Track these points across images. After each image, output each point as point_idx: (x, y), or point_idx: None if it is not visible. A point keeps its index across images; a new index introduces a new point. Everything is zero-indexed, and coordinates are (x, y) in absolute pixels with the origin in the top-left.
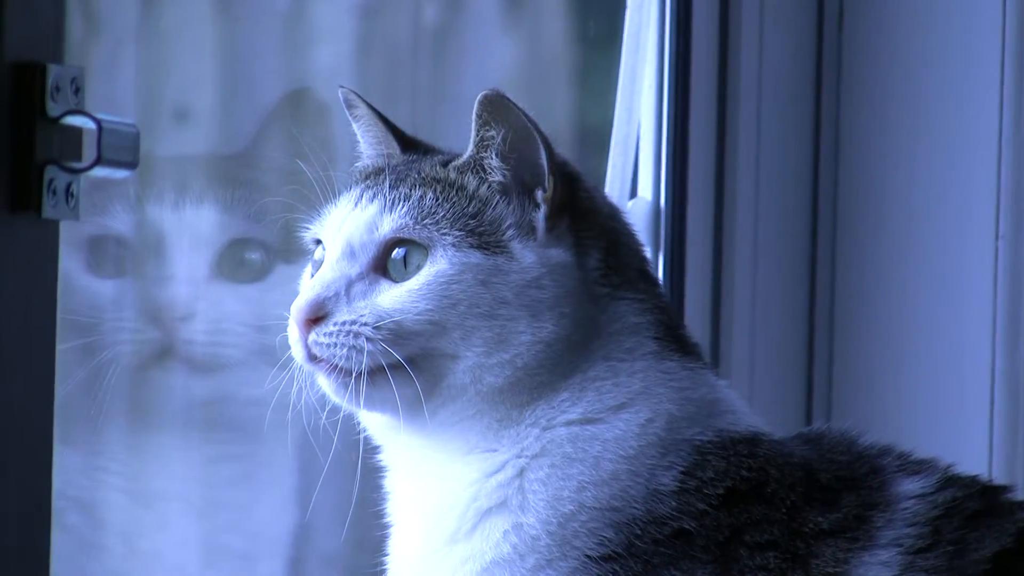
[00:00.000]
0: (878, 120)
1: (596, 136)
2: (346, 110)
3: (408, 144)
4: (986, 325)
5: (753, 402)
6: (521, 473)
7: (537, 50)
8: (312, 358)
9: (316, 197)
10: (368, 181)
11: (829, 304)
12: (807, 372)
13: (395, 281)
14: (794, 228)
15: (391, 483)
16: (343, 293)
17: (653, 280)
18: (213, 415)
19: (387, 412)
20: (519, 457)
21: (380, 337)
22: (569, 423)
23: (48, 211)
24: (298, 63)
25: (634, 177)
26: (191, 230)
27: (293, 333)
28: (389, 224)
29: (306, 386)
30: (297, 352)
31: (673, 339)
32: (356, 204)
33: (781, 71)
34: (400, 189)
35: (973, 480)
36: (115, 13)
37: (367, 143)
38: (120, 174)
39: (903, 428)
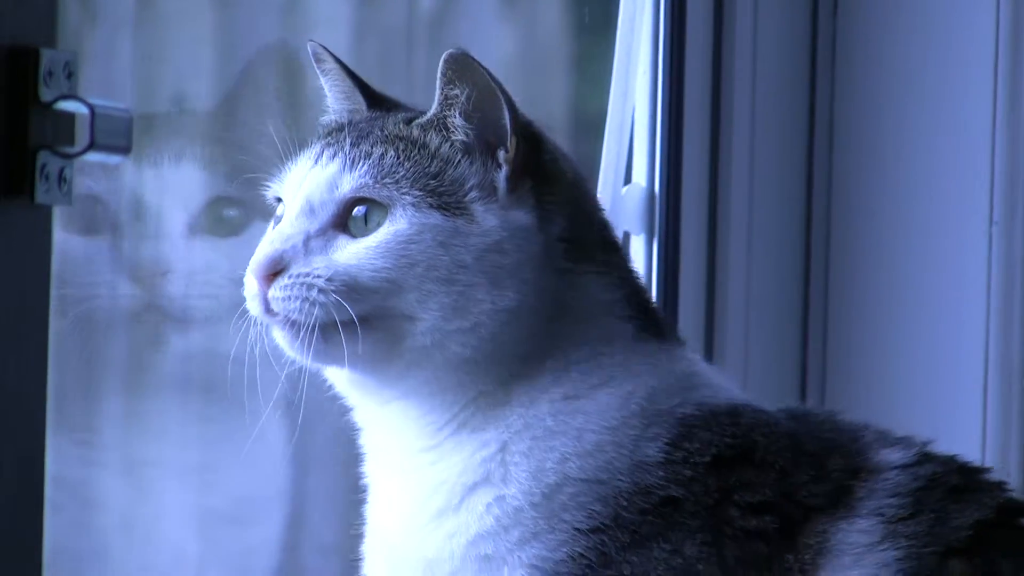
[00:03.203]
0: (873, 105)
1: (591, 122)
2: (314, 64)
3: (375, 100)
4: (980, 311)
5: (747, 387)
6: (504, 447)
7: (533, 37)
8: (269, 311)
9: (284, 155)
10: (329, 138)
11: (824, 290)
12: (802, 358)
13: (354, 237)
14: (789, 213)
15: (367, 442)
16: (300, 247)
17: (617, 248)
18: (196, 371)
19: (337, 365)
20: (502, 433)
21: (333, 289)
22: (552, 400)
23: (41, 196)
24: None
25: (628, 163)
26: (171, 188)
27: (252, 287)
28: (349, 183)
29: (265, 339)
30: (254, 306)
31: (647, 317)
32: (316, 161)
33: (776, 56)
34: (361, 147)
35: (951, 458)
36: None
37: (334, 98)
38: (113, 159)
39: (897, 414)
